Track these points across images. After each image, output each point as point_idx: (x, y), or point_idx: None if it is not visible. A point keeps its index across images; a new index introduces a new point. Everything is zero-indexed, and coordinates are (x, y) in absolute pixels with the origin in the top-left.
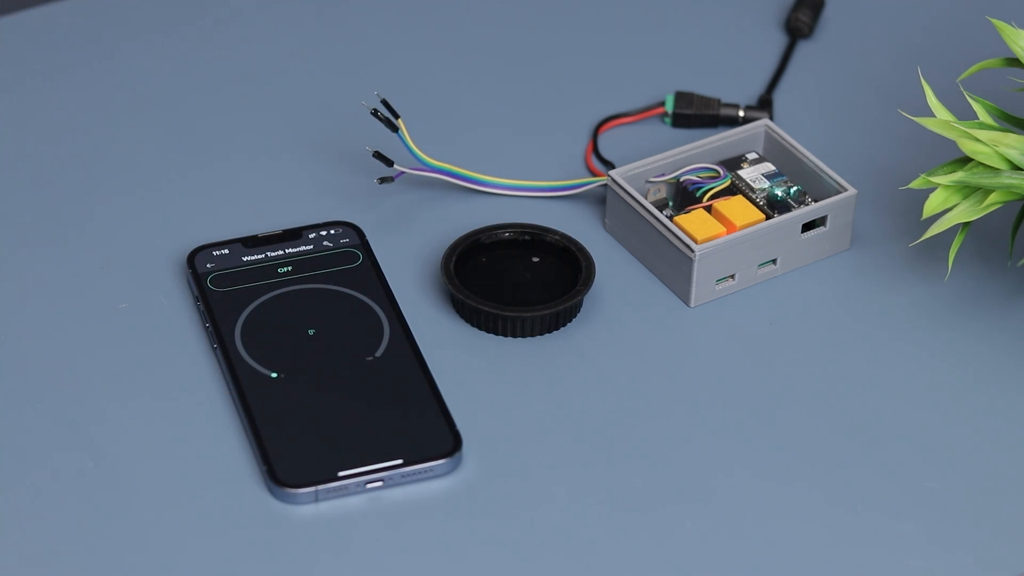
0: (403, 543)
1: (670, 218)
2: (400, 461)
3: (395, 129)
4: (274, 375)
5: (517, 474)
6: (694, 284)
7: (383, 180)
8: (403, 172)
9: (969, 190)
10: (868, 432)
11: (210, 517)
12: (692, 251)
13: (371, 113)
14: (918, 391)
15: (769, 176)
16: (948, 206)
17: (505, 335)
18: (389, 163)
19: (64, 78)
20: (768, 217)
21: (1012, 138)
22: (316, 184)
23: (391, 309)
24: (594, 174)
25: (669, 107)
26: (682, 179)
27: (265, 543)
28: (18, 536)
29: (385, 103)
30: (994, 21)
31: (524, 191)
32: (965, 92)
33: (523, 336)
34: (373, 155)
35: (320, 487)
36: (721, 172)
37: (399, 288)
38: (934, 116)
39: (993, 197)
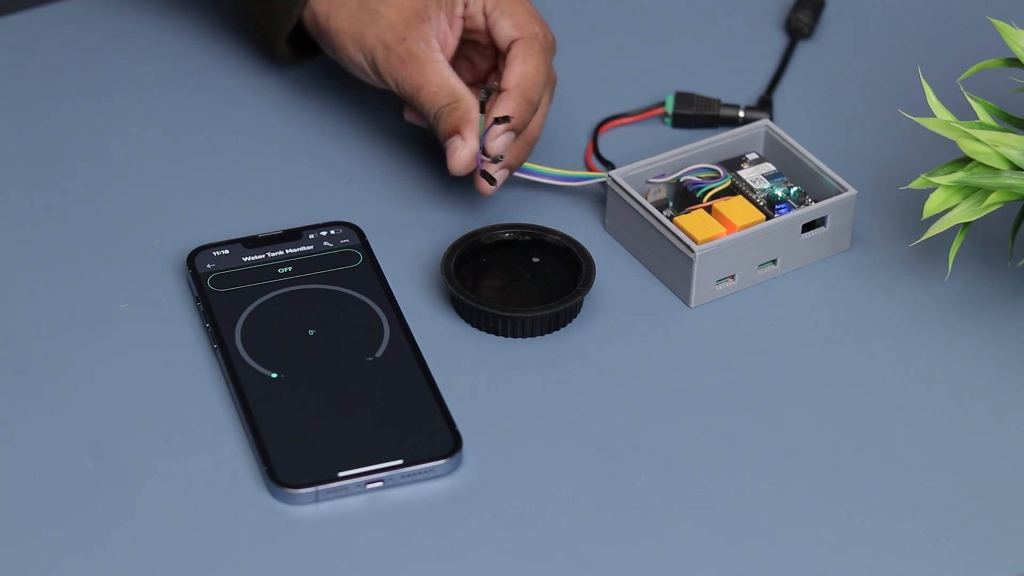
0: (403, 543)
1: (670, 218)
2: (400, 461)
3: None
4: (274, 375)
5: (517, 474)
6: (694, 284)
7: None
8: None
9: (969, 190)
10: (868, 432)
11: (210, 517)
12: (692, 251)
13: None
14: (918, 391)
15: (769, 176)
16: (948, 206)
17: (505, 335)
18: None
19: (64, 78)
20: (768, 217)
21: (1012, 138)
22: (316, 184)
23: (391, 309)
24: None
25: (669, 107)
26: (682, 179)
27: (265, 543)
28: (18, 535)
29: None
30: (994, 21)
31: (527, 174)
32: (965, 92)
33: (523, 336)
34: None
35: (320, 487)
36: (721, 172)
37: (399, 288)
38: (934, 116)
39: (993, 197)
